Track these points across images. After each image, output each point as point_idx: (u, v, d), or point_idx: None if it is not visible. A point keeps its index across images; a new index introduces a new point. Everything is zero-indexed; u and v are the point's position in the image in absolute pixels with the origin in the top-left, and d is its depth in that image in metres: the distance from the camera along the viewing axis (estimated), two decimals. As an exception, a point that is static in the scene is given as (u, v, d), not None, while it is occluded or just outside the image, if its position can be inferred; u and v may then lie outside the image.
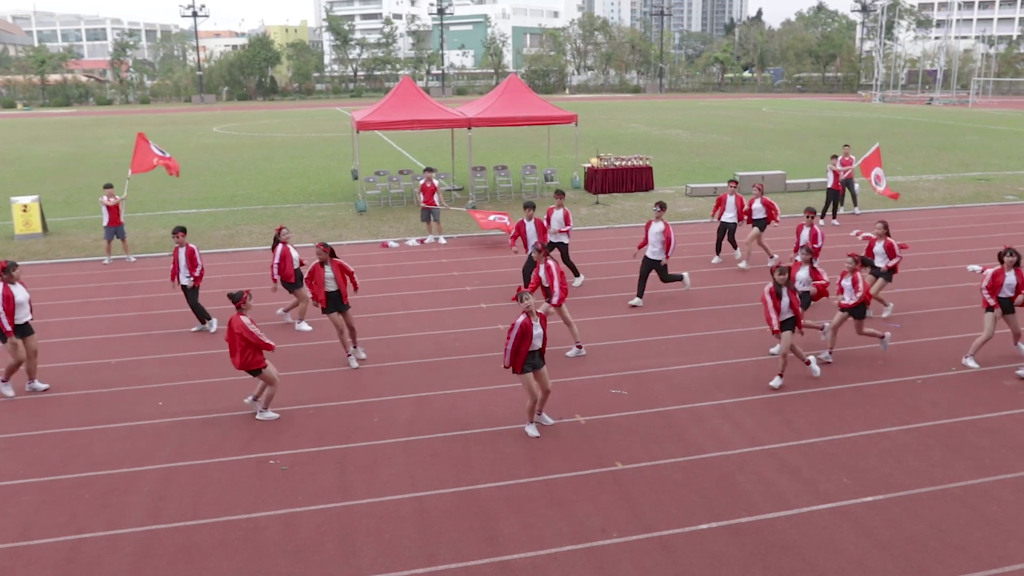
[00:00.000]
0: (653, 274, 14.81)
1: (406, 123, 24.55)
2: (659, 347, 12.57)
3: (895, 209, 23.73)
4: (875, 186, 20.61)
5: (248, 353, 9.83)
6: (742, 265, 17.20)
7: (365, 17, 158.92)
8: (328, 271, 11.75)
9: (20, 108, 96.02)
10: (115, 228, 18.08)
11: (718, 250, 17.80)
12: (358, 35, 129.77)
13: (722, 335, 13.10)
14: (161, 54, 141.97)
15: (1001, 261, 11.35)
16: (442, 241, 20.05)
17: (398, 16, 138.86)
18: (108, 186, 18.18)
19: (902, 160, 34.40)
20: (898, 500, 8.18)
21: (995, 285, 11.33)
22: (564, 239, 15.65)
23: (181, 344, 12.99)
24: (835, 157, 21.58)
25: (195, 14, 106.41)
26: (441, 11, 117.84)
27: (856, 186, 23.07)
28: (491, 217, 19.11)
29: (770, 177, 26.96)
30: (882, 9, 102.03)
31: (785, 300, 10.75)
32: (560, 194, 15.86)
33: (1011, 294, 11.34)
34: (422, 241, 20.11)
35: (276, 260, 13.34)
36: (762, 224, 17.05)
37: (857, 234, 20.23)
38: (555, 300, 11.88)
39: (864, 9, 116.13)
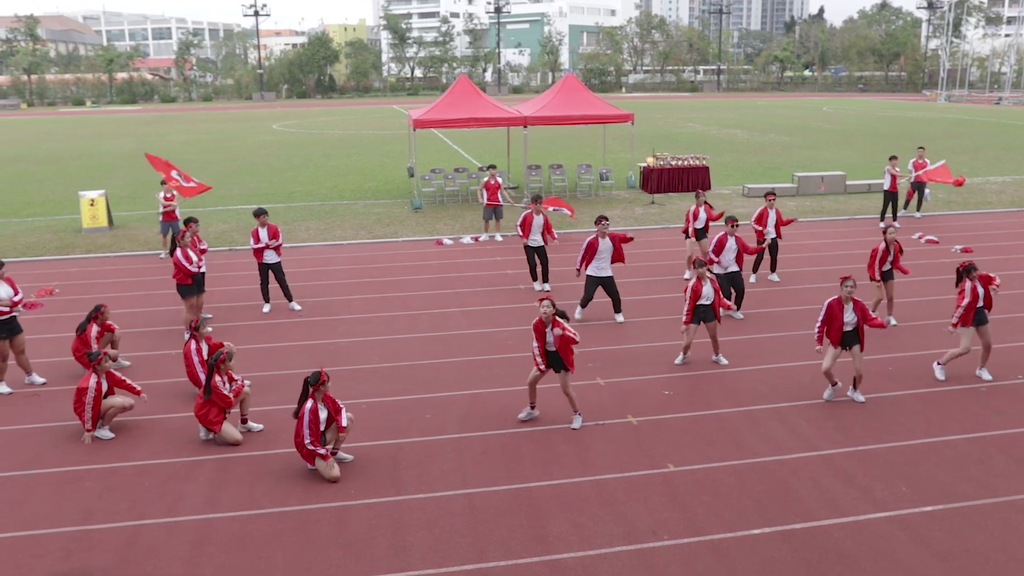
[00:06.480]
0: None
1: (462, 121, 24.67)
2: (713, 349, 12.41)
3: (960, 212, 23.13)
4: (949, 180, 20.15)
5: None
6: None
7: (423, 16, 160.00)
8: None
9: (89, 105, 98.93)
10: (170, 223, 18.48)
11: (772, 267, 16.19)
12: (415, 34, 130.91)
13: (778, 338, 12.91)
14: (223, 53, 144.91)
15: None
16: (499, 238, 20.10)
17: (455, 15, 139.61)
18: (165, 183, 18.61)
19: (968, 161, 33.46)
20: (959, 511, 7.97)
21: None
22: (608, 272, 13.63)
23: (236, 338, 13.23)
24: (893, 159, 21.08)
25: (257, 13, 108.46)
26: (498, 9, 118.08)
27: (927, 192, 22.55)
28: (549, 208, 18.41)
29: (829, 178, 26.47)
30: (949, 6, 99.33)
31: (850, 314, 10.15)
32: (603, 219, 13.60)
33: None
34: (476, 239, 20.19)
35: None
36: (702, 234, 15.99)
37: (919, 237, 19.79)
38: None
39: (930, 6, 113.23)
